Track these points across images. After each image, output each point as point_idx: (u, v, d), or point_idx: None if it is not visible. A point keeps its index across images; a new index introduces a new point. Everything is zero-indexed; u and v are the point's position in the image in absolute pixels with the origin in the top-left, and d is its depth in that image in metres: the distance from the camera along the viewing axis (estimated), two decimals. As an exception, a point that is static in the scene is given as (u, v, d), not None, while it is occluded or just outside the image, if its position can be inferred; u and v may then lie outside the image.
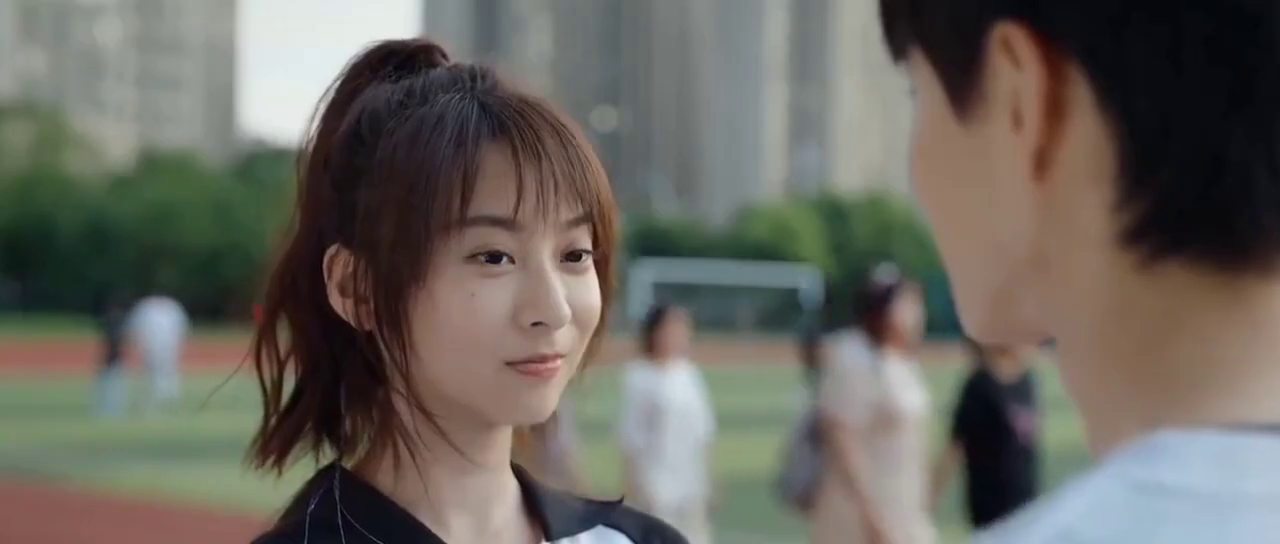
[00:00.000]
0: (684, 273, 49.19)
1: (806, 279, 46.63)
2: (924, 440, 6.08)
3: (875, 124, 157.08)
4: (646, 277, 43.97)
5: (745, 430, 18.95)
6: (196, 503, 12.31)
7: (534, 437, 5.16)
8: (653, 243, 65.94)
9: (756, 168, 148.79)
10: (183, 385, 22.31)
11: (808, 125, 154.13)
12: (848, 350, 6.02)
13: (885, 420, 5.80)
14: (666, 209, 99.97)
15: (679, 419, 6.91)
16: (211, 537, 10.96)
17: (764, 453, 8.54)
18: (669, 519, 5.53)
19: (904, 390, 5.92)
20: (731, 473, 6.87)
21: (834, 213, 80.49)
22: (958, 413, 6.33)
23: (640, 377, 6.94)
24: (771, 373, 29.36)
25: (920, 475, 5.99)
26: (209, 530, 11.22)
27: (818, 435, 5.97)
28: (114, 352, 20.74)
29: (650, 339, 7.03)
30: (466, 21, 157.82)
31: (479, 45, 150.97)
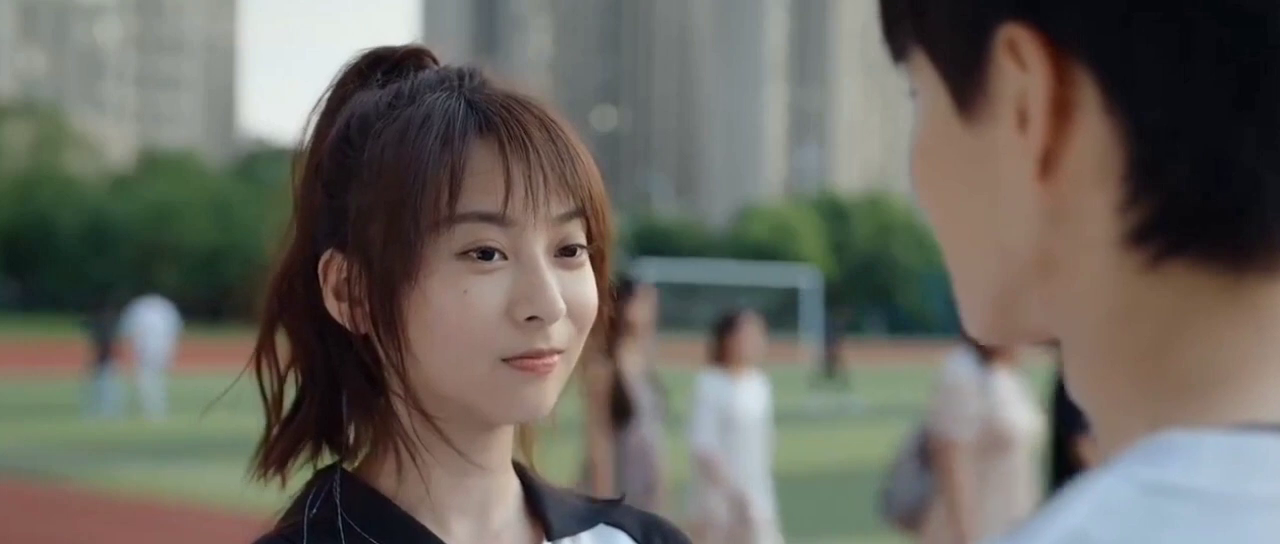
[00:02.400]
0: (684, 273, 49.15)
1: (806, 279, 46.61)
2: (1032, 459, 5.75)
3: (875, 124, 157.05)
4: (646, 277, 43.92)
5: (745, 430, 18.95)
6: (196, 503, 12.31)
7: (614, 429, 5.05)
8: (653, 243, 65.94)
9: (756, 168, 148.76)
10: (182, 385, 22.28)
11: (808, 125, 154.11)
12: (955, 365, 5.64)
13: (994, 438, 5.51)
14: (666, 209, 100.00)
15: (749, 431, 6.73)
16: (211, 537, 10.95)
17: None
18: (732, 533, 5.37)
19: (1013, 407, 5.59)
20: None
21: (834, 213, 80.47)
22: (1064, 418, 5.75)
23: (712, 385, 6.74)
24: (772, 373, 29.38)
25: (1030, 495, 5.63)
26: (208, 530, 11.22)
27: (926, 454, 5.69)
28: (104, 352, 20.68)
29: (722, 346, 6.81)
30: (466, 21, 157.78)
31: (479, 45, 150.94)
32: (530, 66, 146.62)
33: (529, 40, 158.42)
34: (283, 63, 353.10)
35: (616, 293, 5.34)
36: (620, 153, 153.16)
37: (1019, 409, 5.59)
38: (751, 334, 6.84)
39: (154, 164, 75.53)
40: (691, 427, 6.66)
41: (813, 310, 40.04)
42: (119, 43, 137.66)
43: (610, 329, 5.21)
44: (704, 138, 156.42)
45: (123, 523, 11.66)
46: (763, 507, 6.80)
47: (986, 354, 5.51)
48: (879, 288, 75.03)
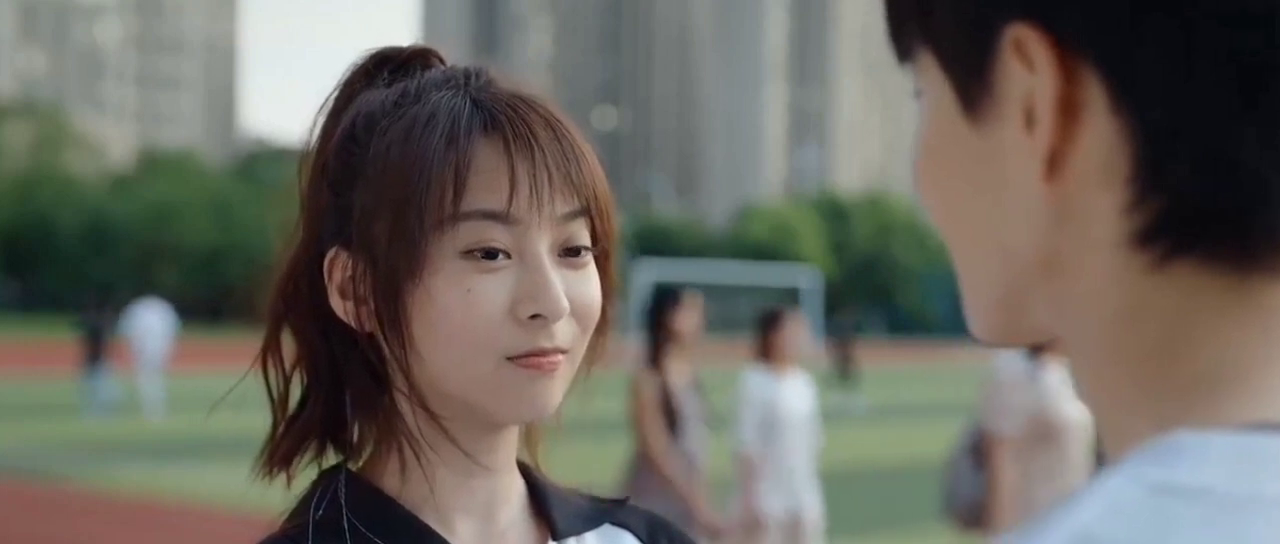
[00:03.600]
0: (684, 273, 49.11)
1: (806, 279, 46.61)
2: (1086, 451, 5.72)
3: (875, 124, 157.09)
4: (647, 276, 43.94)
5: (746, 430, 18.93)
6: (196, 503, 12.30)
7: (671, 435, 4.96)
8: (653, 243, 65.91)
9: (756, 167, 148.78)
10: (181, 385, 22.26)
11: (808, 125, 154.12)
12: (1004, 360, 5.66)
13: (1044, 432, 5.51)
14: (666, 209, 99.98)
15: (795, 429, 6.68)
16: (211, 537, 10.94)
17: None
18: (780, 533, 5.40)
19: (1064, 400, 5.55)
20: (731, 471, 6.80)
21: (834, 212, 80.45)
22: None
23: (757, 382, 6.70)
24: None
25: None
26: (208, 530, 11.21)
27: (980, 451, 5.70)
28: (97, 351, 20.66)
29: (766, 343, 6.77)
30: (466, 21, 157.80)
31: (479, 45, 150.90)
32: (530, 66, 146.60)
33: (529, 40, 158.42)
34: (283, 63, 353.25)
35: (662, 302, 5.26)
36: (620, 153, 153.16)
37: (1070, 402, 5.56)
38: (795, 331, 6.79)
39: (154, 164, 75.54)
40: (735, 425, 6.61)
41: (813, 311, 40.06)
42: (119, 43, 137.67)
43: (657, 338, 5.15)
44: (704, 138, 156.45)
45: (123, 523, 11.64)
46: (810, 506, 6.75)
47: (1037, 348, 5.48)
48: (879, 288, 75.03)
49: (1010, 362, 5.61)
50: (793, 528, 6.68)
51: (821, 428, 6.98)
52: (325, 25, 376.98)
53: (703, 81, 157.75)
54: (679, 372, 6.34)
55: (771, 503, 6.59)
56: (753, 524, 6.53)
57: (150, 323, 22.18)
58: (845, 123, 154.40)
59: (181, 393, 21.96)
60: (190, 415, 19.78)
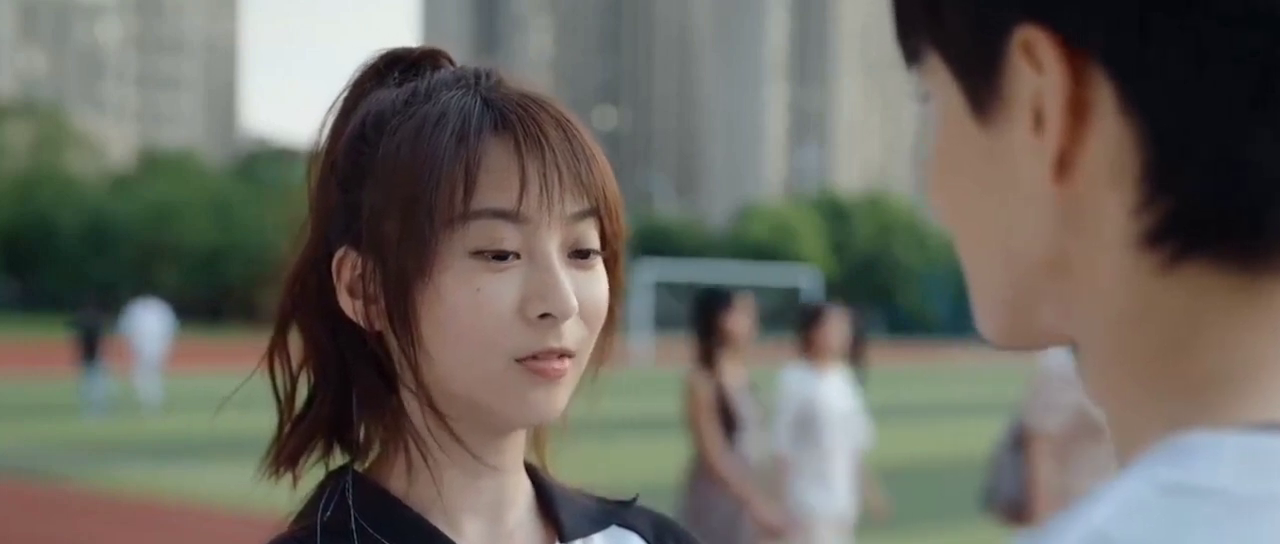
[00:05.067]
0: (684, 272, 49.11)
1: (807, 279, 46.61)
2: None
3: (875, 124, 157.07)
4: (647, 276, 43.94)
5: (746, 430, 18.93)
6: (196, 503, 12.30)
7: (728, 438, 4.87)
8: (653, 242, 65.89)
9: (757, 167, 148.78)
10: (180, 385, 22.26)
11: (808, 125, 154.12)
12: (1049, 356, 5.62)
13: (1089, 428, 5.51)
14: (667, 209, 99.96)
15: (836, 427, 6.58)
16: (211, 537, 10.95)
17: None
18: (827, 535, 5.32)
19: None
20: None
21: (834, 212, 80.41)
22: None
23: (796, 380, 6.62)
24: (772, 372, 29.36)
25: None
26: (208, 530, 11.22)
27: (1022, 445, 5.72)
28: (90, 351, 20.65)
29: (807, 339, 6.68)
30: (467, 21, 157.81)
31: (479, 44, 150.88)
32: (530, 66, 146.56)
33: (529, 40, 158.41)
34: (283, 63, 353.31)
35: (714, 304, 5.20)
36: (620, 153, 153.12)
37: None
38: (837, 327, 6.70)
39: (154, 164, 75.54)
40: (773, 424, 6.55)
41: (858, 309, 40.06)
42: (119, 43, 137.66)
43: (709, 340, 5.04)
44: (704, 138, 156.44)
45: (123, 523, 11.64)
46: (846, 504, 6.68)
47: None
48: (879, 288, 74.98)
49: (1057, 358, 5.58)
50: (839, 526, 6.60)
51: (869, 424, 6.86)
52: (325, 25, 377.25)
53: (703, 81, 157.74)
54: (733, 373, 6.26)
55: (819, 500, 6.51)
56: (791, 524, 6.43)
57: (147, 322, 22.17)
58: (845, 123, 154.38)
59: (181, 393, 21.97)
60: (190, 415, 19.79)
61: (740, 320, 6.28)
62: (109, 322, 22.08)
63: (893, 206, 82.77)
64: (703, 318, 6.29)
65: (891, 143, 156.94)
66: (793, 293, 44.63)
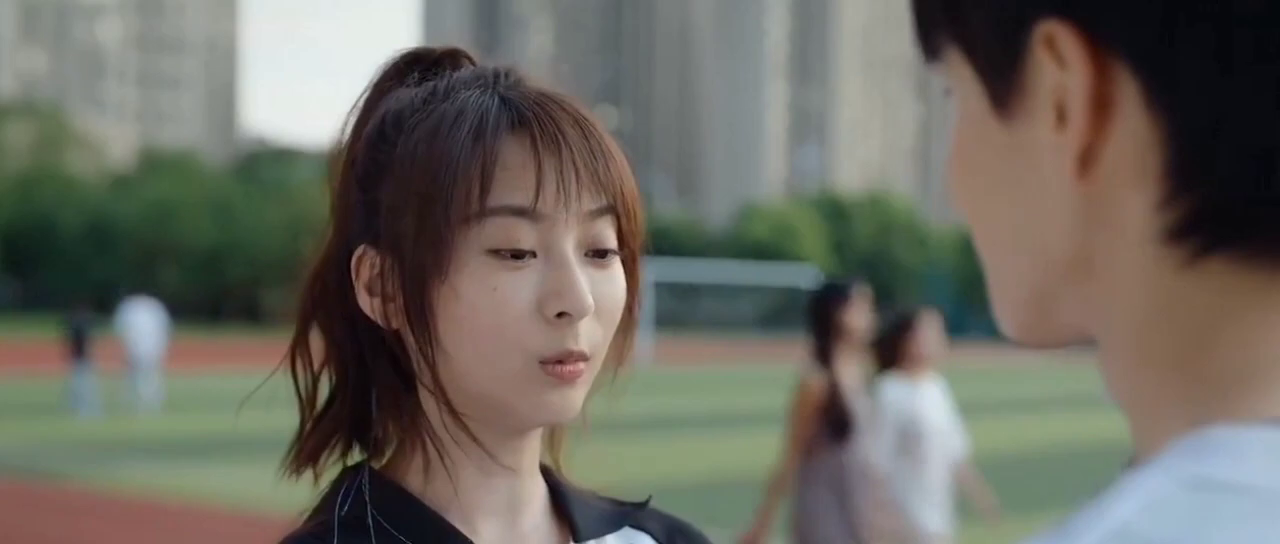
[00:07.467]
0: (685, 273, 49.14)
1: (807, 279, 46.61)
2: None
3: (875, 124, 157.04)
4: (647, 276, 43.79)
5: (747, 430, 18.91)
6: (196, 503, 12.28)
7: (833, 445, 5.25)
8: (653, 242, 65.69)
9: (757, 167, 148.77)
10: (181, 385, 22.24)
11: (808, 125, 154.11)
12: None
13: None
14: (667, 208, 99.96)
15: (933, 439, 6.23)
16: (211, 536, 10.95)
17: (765, 452, 8.48)
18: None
19: None
20: (733, 472, 6.77)
21: (835, 212, 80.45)
22: None
23: (895, 393, 6.22)
24: (773, 372, 29.34)
25: None
26: (208, 530, 11.21)
27: None
28: (79, 350, 20.62)
29: (898, 349, 6.29)
30: (467, 21, 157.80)
31: (479, 45, 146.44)
32: (530, 66, 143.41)
33: (529, 40, 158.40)
34: (283, 63, 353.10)
35: (830, 297, 5.09)
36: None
37: None
38: (931, 333, 6.34)
39: (154, 164, 75.56)
40: (874, 440, 6.05)
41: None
42: (119, 42, 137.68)
43: (825, 336, 4.62)
44: (704, 137, 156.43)
45: (123, 523, 11.64)
46: (940, 522, 6.28)
47: None
48: (879, 288, 74.69)
49: None
50: (944, 542, 6.28)
51: (964, 429, 6.50)
52: (325, 25, 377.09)
53: (703, 81, 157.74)
54: (849, 372, 5.83)
55: (929, 519, 6.19)
56: (906, 539, 6.14)
57: (141, 321, 22.13)
58: (845, 123, 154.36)
59: (181, 392, 21.96)
60: (190, 415, 19.78)
61: (858, 315, 5.84)
62: (101, 321, 22.05)
63: (893, 206, 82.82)
64: (818, 312, 5.85)
65: (891, 143, 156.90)
66: (793, 293, 44.65)
